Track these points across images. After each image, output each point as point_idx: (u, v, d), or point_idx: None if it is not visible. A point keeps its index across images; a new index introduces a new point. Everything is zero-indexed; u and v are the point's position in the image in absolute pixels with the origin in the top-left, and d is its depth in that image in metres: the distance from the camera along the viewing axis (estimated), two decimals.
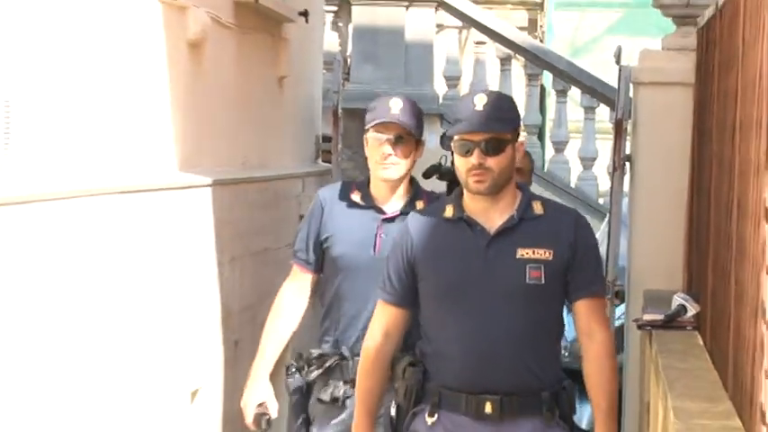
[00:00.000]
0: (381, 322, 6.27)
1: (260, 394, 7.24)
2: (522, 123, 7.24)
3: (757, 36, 6.25)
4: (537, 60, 18.50)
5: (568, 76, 17.42)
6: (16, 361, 7.48)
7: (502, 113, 5.91)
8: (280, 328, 7.18)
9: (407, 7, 18.41)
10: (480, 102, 5.82)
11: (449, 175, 9.46)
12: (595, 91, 16.84)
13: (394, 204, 6.78)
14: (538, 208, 5.90)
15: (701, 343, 9.17)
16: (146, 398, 9.59)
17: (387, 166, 6.71)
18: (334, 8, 16.69)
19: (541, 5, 25.37)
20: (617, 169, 13.14)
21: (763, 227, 5.51)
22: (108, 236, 8.37)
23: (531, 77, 18.04)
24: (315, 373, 6.84)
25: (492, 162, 5.79)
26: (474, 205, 5.90)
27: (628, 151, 12.90)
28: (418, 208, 6.98)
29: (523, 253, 5.84)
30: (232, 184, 11.26)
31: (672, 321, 9.53)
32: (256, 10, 11.88)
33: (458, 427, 6.22)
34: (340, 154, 15.45)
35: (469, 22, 20.75)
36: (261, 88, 12.69)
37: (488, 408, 6.07)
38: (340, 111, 16.00)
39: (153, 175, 9.51)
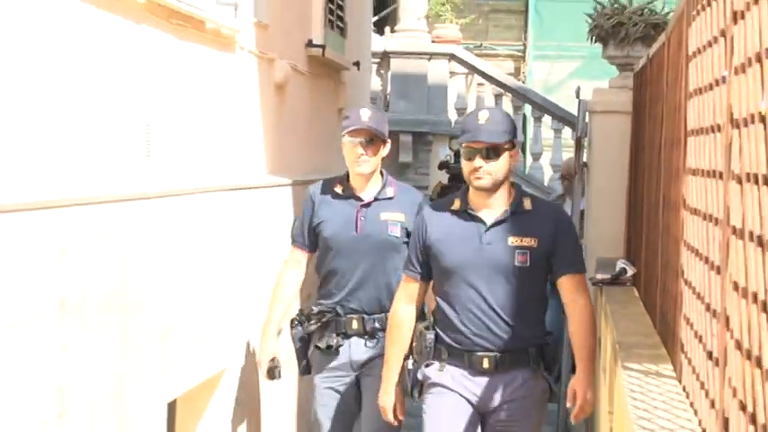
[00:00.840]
0: (405, 292, 6.59)
1: (270, 351, 7.43)
2: (516, 135, 7.10)
3: (677, 78, 6.65)
4: (520, 96, 18.25)
5: (542, 107, 17.51)
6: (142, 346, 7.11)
7: (499, 127, 6.19)
8: (282, 296, 7.38)
9: (429, 59, 19.09)
10: (483, 117, 6.14)
11: (453, 170, 12.51)
12: (562, 118, 16.99)
13: (369, 193, 7.07)
14: (527, 204, 6.13)
15: (637, 295, 9.53)
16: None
17: (360, 163, 7.01)
18: (378, 60, 16.59)
19: (523, 57, 24.93)
20: (577, 173, 13.37)
21: (682, 213, 5.88)
22: (221, 221, 8.44)
23: (516, 108, 17.64)
24: (313, 327, 7.09)
25: (491, 165, 6.06)
26: (476, 200, 6.13)
27: (584, 160, 13.11)
28: (388, 193, 7.30)
29: (514, 241, 6.09)
30: (305, 183, 10.44)
31: (616, 280, 10.12)
32: (323, 61, 11.92)
33: (461, 377, 6.45)
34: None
35: (473, 69, 21.04)
36: (325, 116, 12.60)
37: (486, 363, 6.35)
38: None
39: (249, 177, 9.54)
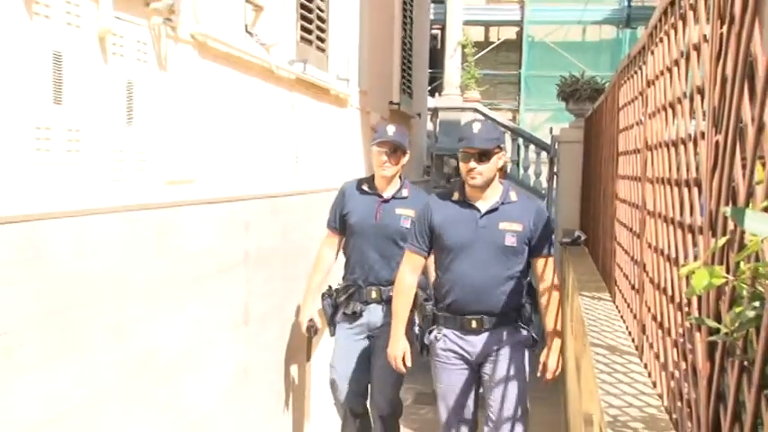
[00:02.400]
0: (408, 264, 5.61)
1: (309, 313, 6.51)
2: (504, 141, 6.07)
3: (612, 121, 6.59)
4: (516, 133, 17.32)
5: (529, 140, 16.72)
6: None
7: (490, 135, 5.36)
8: (320, 268, 6.45)
9: (461, 111, 17.83)
10: (476, 127, 5.36)
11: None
12: (541, 146, 16.59)
13: (389, 192, 6.18)
14: (514, 197, 5.36)
15: (587, 251, 9.09)
16: None
17: (384, 168, 6.12)
18: (431, 112, 16.21)
19: (518, 110, 24.04)
20: (551, 178, 13.57)
21: (615, 201, 5.88)
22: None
23: (513, 140, 16.92)
24: (342, 297, 6.21)
25: (482, 167, 5.24)
26: (471, 193, 5.35)
27: (555, 170, 13.03)
28: (404, 193, 6.28)
29: (504, 226, 5.24)
30: None
31: (574, 242, 9.68)
32: (399, 113, 11.53)
33: (455, 338, 5.46)
34: (432, 173, 14.76)
35: (487, 117, 18.81)
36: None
37: (474, 324, 5.38)
38: (433, 155, 16.19)
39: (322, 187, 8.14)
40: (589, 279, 7.08)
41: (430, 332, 5.52)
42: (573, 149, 11.12)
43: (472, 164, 5.29)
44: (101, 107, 3.88)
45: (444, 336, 5.46)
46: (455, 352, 5.45)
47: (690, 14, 3.07)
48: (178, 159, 4.74)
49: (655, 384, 3.63)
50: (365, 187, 6.28)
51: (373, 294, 6.16)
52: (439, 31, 19.40)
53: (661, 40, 3.87)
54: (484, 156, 5.27)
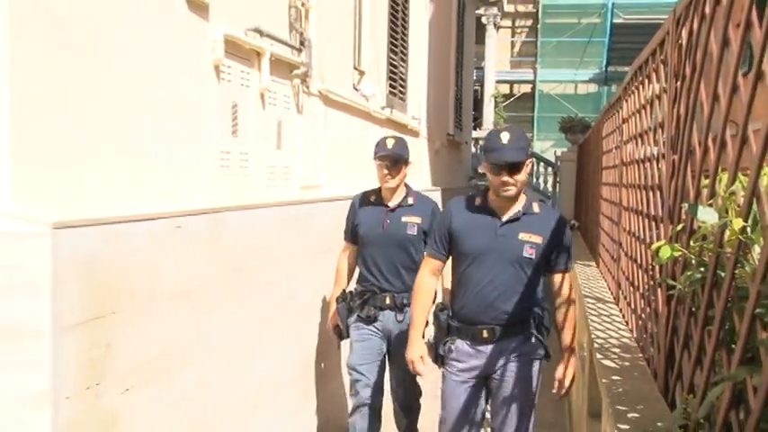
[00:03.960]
0: (428, 267, 3.97)
1: (336, 318, 4.65)
2: (531, 150, 4.72)
3: (597, 146, 6.52)
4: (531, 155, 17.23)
5: (540, 158, 15.92)
6: None
7: (521, 144, 3.74)
8: (341, 277, 4.72)
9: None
10: (505, 138, 3.73)
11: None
12: (549, 163, 16.15)
13: (394, 201, 4.58)
14: (536, 208, 3.85)
15: (579, 234, 8.64)
16: None
17: (386, 180, 4.54)
18: (474, 141, 15.57)
19: (532, 139, 23.78)
20: (555, 185, 13.24)
21: (600, 201, 5.79)
22: None
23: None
24: (357, 302, 4.58)
25: (516, 178, 3.64)
26: (495, 200, 3.80)
27: (558, 180, 12.81)
28: (409, 201, 4.66)
29: (523, 236, 3.72)
30: (451, 188, 9.96)
31: (571, 229, 9.41)
32: (453, 141, 11.33)
33: (467, 347, 3.74)
34: (474, 182, 13.54)
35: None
36: (456, 162, 12.03)
37: (485, 334, 3.68)
38: (476, 170, 14.39)
39: (425, 185, 8.53)
40: (581, 253, 6.81)
41: (444, 343, 3.84)
42: (570, 166, 10.90)
43: (504, 177, 3.75)
44: (260, 138, 3.95)
45: (457, 348, 3.76)
46: (466, 369, 3.77)
47: (653, 75, 3.07)
48: (309, 172, 4.79)
49: (627, 323, 3.62)
50: (372, 198, 4.69)
51: (387, 300, 4.60)
52: (479, 87, 19.17)
53: (632, 92, 3.87)
54: (516, 167, 3.62)
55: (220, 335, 3.44)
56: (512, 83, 24.97)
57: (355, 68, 5.89)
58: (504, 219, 3.61)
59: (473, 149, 15.75)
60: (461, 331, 3.67)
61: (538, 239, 3.56)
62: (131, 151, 2.81)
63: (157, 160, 2.98)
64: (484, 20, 18.23)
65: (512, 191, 3.58)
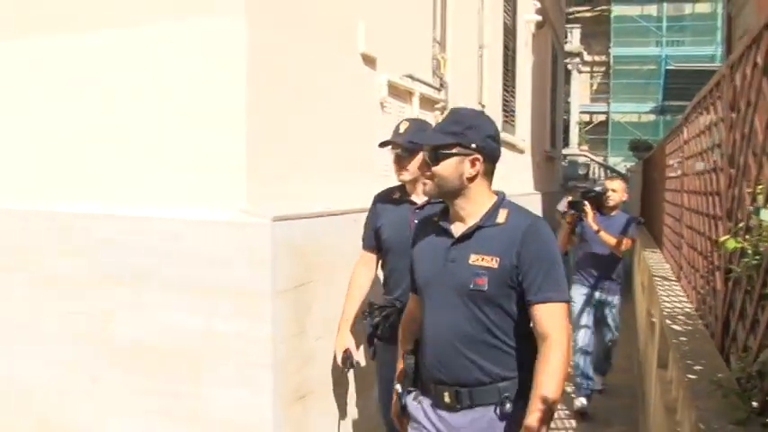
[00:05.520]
0: (409, 306, 2.01)
1: (343, 344, 2.65)
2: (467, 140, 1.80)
3: (661, 159, 6.15)
4: (609, 169, 15.55)
5: (614, 170, 14.97)
6: None
7: (444, 128, 1.80)
8: (354, 295, 2.69)
9: (578, 156, 16.13)
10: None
11: (584, 195, 4.83)
12: (620, 174, 14.93)
13: (422, 197, 2.54)
14: (501, 217, 1.75)
15: (645, 230, 7.53)
16: None
17: (401, 174, 2.63)
18: (564, 156, 14.52)
19: (607, 156, 22.54)
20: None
21: (664, 203, 5.46)
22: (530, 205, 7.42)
23: (605, 174, 15.44)
24: (377, 319, 2.55)
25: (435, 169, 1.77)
26: (451, 210, 1.82)
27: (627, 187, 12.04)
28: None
29: (475, 259, 1.70)
30: (548, 192, 9.49)
31: (639, 224, 6.15)
32: (548, 155, 10.73)
33: (430, 409, 1.82)
34: (575, 183, 12.20)
35: (594, 161, 17.22)
36: (551, 173, 11.35)
37: (447, 397, 1.76)
38: (565, 178, 13.73)
39: (526, 190, 8.01)
40: (648, 243, 6.44)
41: (409, 392, 1.94)
42: (636, 176, 10.29)
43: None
44: None
45: (421, 404, 1.89)
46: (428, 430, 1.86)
47: (711, 107, 2.91)
48: None
49: (688, 297, 3.39)
50: (396, 196, 2.74)
51: None
52: (567, 116, 18.50)
53: (692, 120, 3.65)
54: (433, 156, 1.79)
55: (327, 312, 2.87)
56: (591, 113, 24.54)
57: (479, 103, 5.81)
58: (457, 236, 1.80)
59: (563, 162, 15.23)
60: (425, 387, 1.89)
61: (493, 262, 1.72)
62: (327, 166, 2.84)
63: (343, 172, 3.00)
64: (569, 66, 17.90)
65: (427, 187, 1.83)
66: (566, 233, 4.51)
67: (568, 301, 1.72)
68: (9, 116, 2.79)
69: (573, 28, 18.41)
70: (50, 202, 2.65)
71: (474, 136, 1.75)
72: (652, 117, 23.43)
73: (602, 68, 24.76)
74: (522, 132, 8.31)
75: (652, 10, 23.52)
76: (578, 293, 4.66)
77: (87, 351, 2.54)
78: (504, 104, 7.00)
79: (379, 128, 3.32)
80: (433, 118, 4.26)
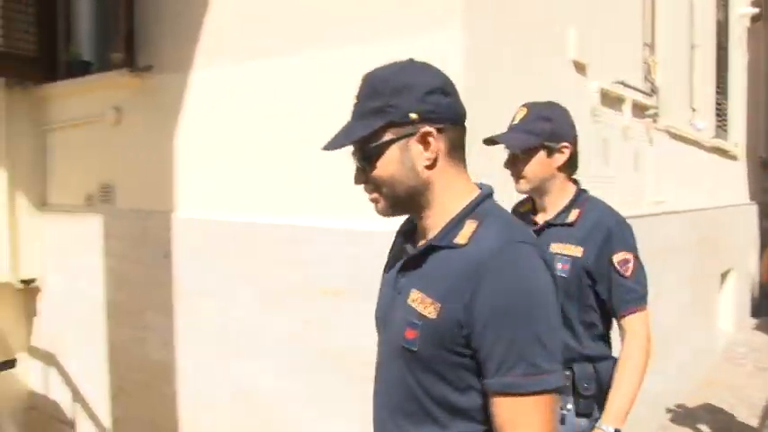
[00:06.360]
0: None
1: None
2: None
3: None
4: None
5: None
6: None
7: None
8: None
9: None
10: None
11: None
12: None
13: (550, 213, 1.71)
14: (465, 232, 0.83)
15: None
16: None
17: (517, 182, 1.72)
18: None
19: None
20: None
21: None
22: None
23: None
24: None
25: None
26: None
27: None
28: (571, 216, 1.67)
29: (414, 298, 0.85)
30: (764, 202, 8.15)
31: None
32: (765, 161, 9.17)
33: None
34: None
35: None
36: (767, 180, 9.65)
37: None
38: None
39: (733, 202, 6.98)
40: None
41: None
42: None
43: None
44: (622, 166, 3.68)
45: None
46: None
47: None
48: (657, 189, 4.36)
49: None
50: (522, 210, 1.86)
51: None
52: None
53: None
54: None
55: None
56: None
57: (690, 107, 5.33)
58: (409, 255, 1.01)
59: None
60: None
61: (429, 309, 0.89)
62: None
63: None
64: None
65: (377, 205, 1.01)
66: None
67: (552, 392, 0.86)
68: (246, 134, 2.76)
69: None
70: (275, 215, 2.65)
71: (408, 100, 0.95)
72: None
73: None
74: (736, 137, 7.46)
75: None
76: None
77: (308, 357, 2.53)
78: (717, 108, 6.42)
79: (590, 139, 3.21)
80: (644, 125, 4.07)
